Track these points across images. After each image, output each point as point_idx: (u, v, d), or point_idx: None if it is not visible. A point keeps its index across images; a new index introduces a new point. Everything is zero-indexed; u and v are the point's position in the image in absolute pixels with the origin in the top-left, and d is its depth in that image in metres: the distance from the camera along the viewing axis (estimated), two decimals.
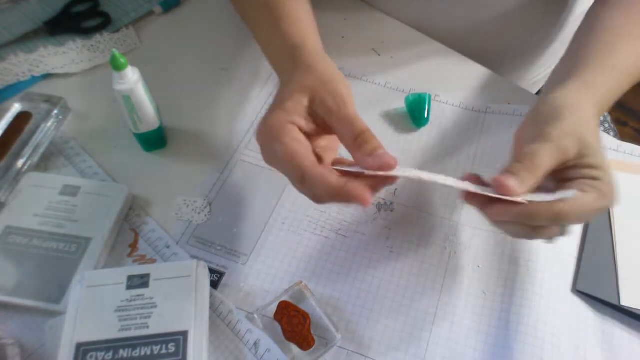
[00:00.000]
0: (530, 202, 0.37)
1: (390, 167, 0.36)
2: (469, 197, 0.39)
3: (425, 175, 0.38)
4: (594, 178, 0.38)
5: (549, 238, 0.40)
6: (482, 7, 0.64)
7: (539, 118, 0.41)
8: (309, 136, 0.40)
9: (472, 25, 0.66)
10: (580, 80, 0.43)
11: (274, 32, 0.46)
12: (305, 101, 0.39)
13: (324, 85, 0.39)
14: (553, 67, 0.53)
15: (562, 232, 0.40)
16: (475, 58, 0.64)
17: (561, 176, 0.40)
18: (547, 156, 0.38)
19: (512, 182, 0.36)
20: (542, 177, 0.38)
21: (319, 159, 0.40)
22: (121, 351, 0.40)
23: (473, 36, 0.67)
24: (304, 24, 0.46)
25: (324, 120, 0.40)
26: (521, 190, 0.37)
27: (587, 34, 0.49)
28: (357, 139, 0.38)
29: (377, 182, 0.38)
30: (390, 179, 0.38)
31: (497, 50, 0.69)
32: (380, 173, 0.37)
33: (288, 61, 0.43)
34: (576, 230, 0.50)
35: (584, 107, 0.41)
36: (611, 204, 0.39)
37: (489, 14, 0.65)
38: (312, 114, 0.40)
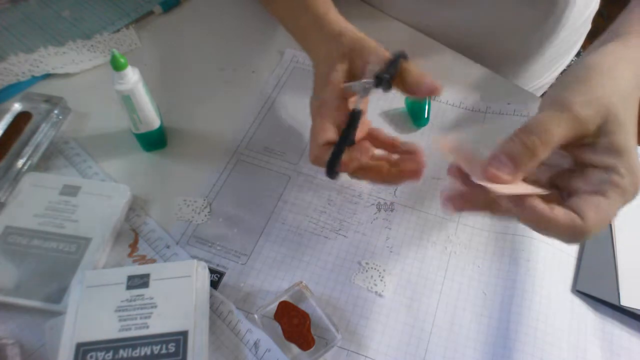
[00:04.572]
0: (542, 213, 0.31)
1: (437, 89, 0.40)
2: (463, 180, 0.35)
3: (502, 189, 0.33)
4: (607, 167, 0.32)
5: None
6: (482, 8, 0.64)
7: (564, 79, 0.35)
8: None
9: (472, 26, 0.66)
10: (620, 41, 0.37)
11: (296, 5, 0.49)
12: (345, 66, 0.44)
13: (357, 43, 0.44)
14: (557, 72, 0.51)
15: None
16: (476, 60, 0.64)
17: (575, 152, 0.34)
18: (560, 129, 0.32)
19: (504, 175, 0.32)
20: (549, 155, 0.33)
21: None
22: (121, 351, 0.40)
23: (474, 37, 0.67)
24: None
25: (363, 72, 0.43)
26: (514, 180, 0.32)
27: (632, 9, 0.43)
28: (404, 71, 0.42)
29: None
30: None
31: (498, 52, 0.69)
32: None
33: (314, 31, 0.47)
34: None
35: (621, 70, 0.34)
36: (633, 197, 0.33)
37: (489, 15, 0.65)
38: (352, 72, 0.44)
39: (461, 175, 0.36)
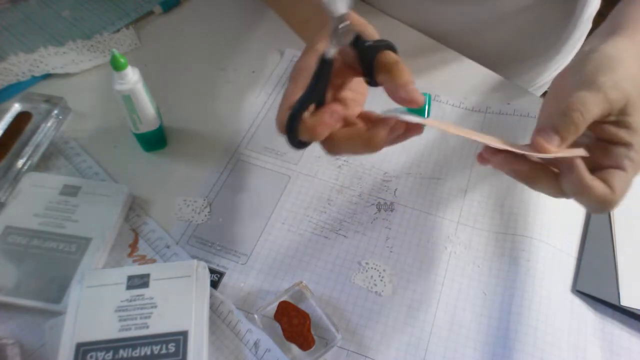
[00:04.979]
0: (585, 179, 0.34)
1: (419, 103, 0.36)
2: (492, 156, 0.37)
3: (452, 129, 0.36)
4: (627, 144, 0.37)
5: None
6: (482, 9, 0.64)
7: (587, 64, 0.38)
8: (338, 79, 0.39)
9: (473, 27, 0.66)
10: (627, 36, 0.41)
11: None
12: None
13: (354, 26, 0.39)
14: (557, 72, 0.51)
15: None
16: (477, 61, 0.64)
17: (597, 129, 0.38)
18: (596, 107, 0.35)
19: (551, 147, 0.35)
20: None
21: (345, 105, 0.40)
22: (121, 351, 0.40)
23: (474, 38, 0.67)
24: None
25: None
26: (560, 150, 0.36)
27: (629, 1, 0.46)
28: (391, 68, 0.37)
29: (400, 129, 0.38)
30: (415, 130, 0.38)
31: (499, 53, 0.69)
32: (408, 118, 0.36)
33: (315, 20, 0.45)
34: (576, 229, 0.51)
35: (632, 64, 0.39)
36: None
37: (491, 16, 0.65)
38: (344, 53, 0.38)
39: (498, 154, 0.37)
